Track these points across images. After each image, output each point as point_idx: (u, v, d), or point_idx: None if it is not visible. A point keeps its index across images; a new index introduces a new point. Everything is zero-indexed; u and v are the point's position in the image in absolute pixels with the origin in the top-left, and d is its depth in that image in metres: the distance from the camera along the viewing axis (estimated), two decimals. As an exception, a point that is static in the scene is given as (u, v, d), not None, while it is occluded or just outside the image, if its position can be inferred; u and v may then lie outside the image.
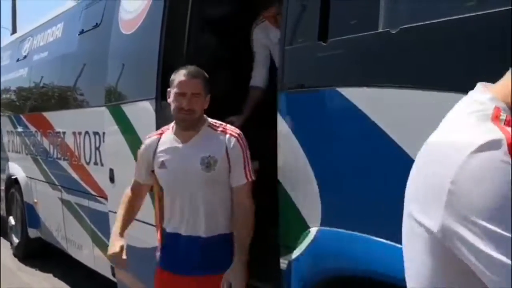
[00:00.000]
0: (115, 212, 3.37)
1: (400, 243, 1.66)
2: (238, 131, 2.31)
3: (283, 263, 2.21)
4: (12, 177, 5.97)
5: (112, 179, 3.36)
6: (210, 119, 2.31)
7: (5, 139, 6.39)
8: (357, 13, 1.91)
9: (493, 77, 1.02)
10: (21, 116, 5.77)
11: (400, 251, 1.63)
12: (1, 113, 6.53)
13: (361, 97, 1.84)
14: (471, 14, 1.53)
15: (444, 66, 1.63)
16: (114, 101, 3.30)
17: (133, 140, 3.05)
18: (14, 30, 19.04)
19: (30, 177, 5.58)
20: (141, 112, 2.91)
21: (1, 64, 6.78)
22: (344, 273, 1.96)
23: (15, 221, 6.09)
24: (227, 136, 2.25)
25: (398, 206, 1.65)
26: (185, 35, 2.80)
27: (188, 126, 2.24)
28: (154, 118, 2.74)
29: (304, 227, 2.08)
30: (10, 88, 6.38)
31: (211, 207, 2.26)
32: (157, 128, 2.74)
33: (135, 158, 3.00)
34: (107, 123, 3.39)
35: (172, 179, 2.28)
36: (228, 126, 2.32)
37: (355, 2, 1.93)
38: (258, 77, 2.96)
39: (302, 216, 2.10)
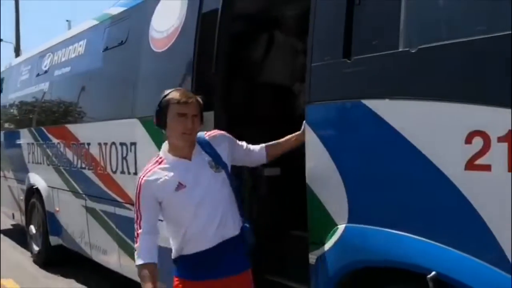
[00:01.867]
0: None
1: (419, 235, 1.93)
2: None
3: (312, 258, 2.45)
4: (33, 187, 6.20)
5: (144, 186, 3.60)
6: None
7: (25, 151, 6.62)
8: (378, 33, 2.17)
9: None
10: (43, 128, 6.02)
11: (417, 242, 1.90)
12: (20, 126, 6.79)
13: (382, 107, 2.10)
14: (479, 37, 1.79)
15: (456, 81, 1.88)
16: (146, 114, 3.55)
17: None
18: (17, 54, 19.37)
19: (51, 187, 5.81)
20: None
21: (20, 79, 7.04)
22: (369, 264, 2.21)
23: (36, 229, 6.31)
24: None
25: (414, 203, 1.93)
26: (214, 51, 3.07)
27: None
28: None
29: (332, 225, 2.33)
30: (30, 102, 6.63)
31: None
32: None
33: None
34: (139, 134, 3.63)
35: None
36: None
37: (377, 24, 2.19)
38: None
39: (330, 214, 2.35)
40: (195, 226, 2.30)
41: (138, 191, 2.33)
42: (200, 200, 2.29)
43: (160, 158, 2.37)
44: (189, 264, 2.35)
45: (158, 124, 2.35)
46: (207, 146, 2.39)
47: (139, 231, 2.32)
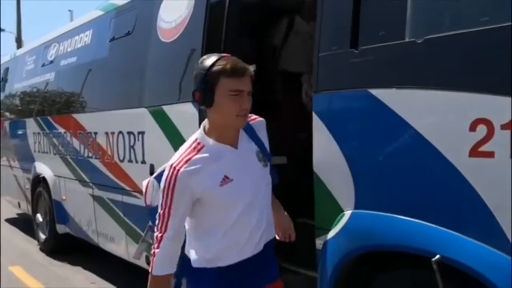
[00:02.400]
0: (157, 205, 3.69)
1: (424, 220, 2.00)
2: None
3: (319, 243, 2.52)
4: (40, 175, 6.27)
5: (152, 174, 3.66)
6: None
7: (31, 140, 6.69)
8: (385, 24, 2.22)
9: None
10: (49, 118, 6.07)
11: (422, 226, 1.96)
12: (26, 115, 6.85)
13: (388, 96, 2.16)
14: (483, 28, 1.85)
15: (461, 71, 1.94)
16: (154, 103, 3.61)
17: (175, 138, 3.37)
18: (19, 44, 19.42)
19: (58, 176, 5.88)
20: (183, 112, 3.22)
21: (25, 69, 7.09)
22: (375, 249, 2.28)
23: (42, 218, 6.39)
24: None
25: (420, 189, 1.99)
26: (222, 41, 3.13)
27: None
28: (198, 117, 3.05)
29: (338, 211, 2.39)
30: (36, 92, 6.68)
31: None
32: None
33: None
34: (148, 123, 3.70)
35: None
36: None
37: (384, 14, 2.24)
38: None
39: (337, 201, 2.41)
40: (240, 230, 1.91)
41: (171, 185, 1.82)
42: (250, 199, 1.90)
43: (199, 143, 1.89)
44: (221, 276, 1.94)
45: (202, 101, 1.85)
46: (251, 133, 1.98)
47: (164, 234, 1.85)
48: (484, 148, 1.83)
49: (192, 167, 1.83)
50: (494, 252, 1.82)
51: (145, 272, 4.36)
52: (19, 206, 7.43)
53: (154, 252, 1.87)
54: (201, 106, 1.87)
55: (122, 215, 4.48)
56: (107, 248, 4.96)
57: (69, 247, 6.02)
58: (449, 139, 1.96)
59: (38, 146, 6.47)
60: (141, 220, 4.11)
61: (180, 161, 1.85)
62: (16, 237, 7.01)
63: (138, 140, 4.07)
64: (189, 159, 1.85)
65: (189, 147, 1.90)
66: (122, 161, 4.37)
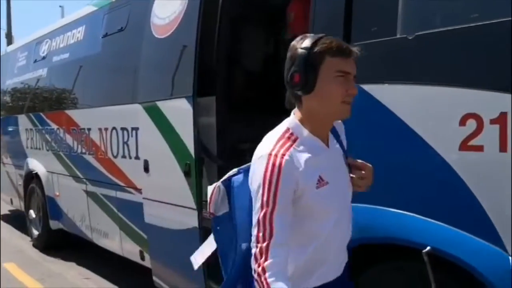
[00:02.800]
0: (151, 200, 3.72)
1: (415, 213, 2.03)
2: None
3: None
4: (33, 172, 6.27)
5: (147, 169, 3.70)
6: None
7: (23, 137, 6.68)
8: (377, 20, 2.26)
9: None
10: (42, 114, 6.07)
11: (413, 219, 2.00)
12: (17, 112, 6.83)
13: (380, 91, 2.20)
14: (472, 25, 1.89)
15: (451, 66, 1.99)
16: (148, 99, 3.63)
17: (169, 133, 3.39)
18: (9, 40, 19.28)
19: (51, 172, 5.88)
20: (178, 108, 3.25)
21: (17, 65, 7.07)
22: (369, 242, 2.31)
23: (35, 214, 6.39)
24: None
25: (411, 182, 2.03)
26: (216, 37, 3.16)
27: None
28: (192, 113, 3.08)
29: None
30: (28, 88, 6.67)
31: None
32: (195, 122, 3.09)
33: (172, 150, 3.36)
34: (142, 119, 3.72)
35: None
36: None
37: (376, 11, 2.28)
38: None
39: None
40: (329, 245, 1.62)
41: (274, 175, 1.49)
42: (343, 206, 1.67)
43: (292, 134, 1.59)
44: None
45: (302, 85, 1.55)
46: (334, 133, 1.74)
47: (270, 241, 1.47)
48: (473, 142, 1.87)
49: (294, 158, 1.52)
50: (483, 244, 1.87)
51: (139, 268, 4.41)
52: (12, 202, 7.42)
53: (261, 268, 1.45)
54: (299, 91, 1.55)
55: (116, 211, 4.50)
56: (101, 243, 4.97)
57: (62, 243, 6.03)
58: (440, 133, 2.00)
59: (30, 143, 6.46)
60: (135, 215, 4.14)
61: (281, 149, 1.53)
62: (9, 234, 7.00)
63: (132, 136, 4.09)
64: (288, 148, 1.54)
65: (282, 136, 1.57)
66: (115, 157, 4.39)
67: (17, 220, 7.42)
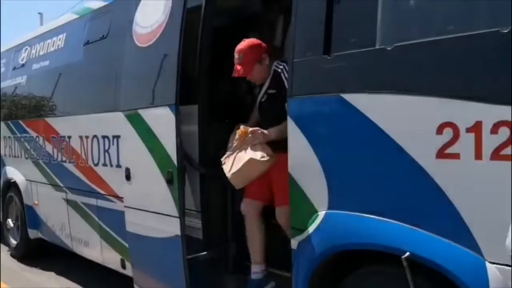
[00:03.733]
0: (133, 208, 3.72)
1: (394, 219, 2.08)
2: None
3: (294, 244, 2.59)
4: (11, 180, 6.19)
5: (128, 177, 3.69)
6: None
7: (1, 144, 6.59)
8: (357, 31, 2.32)
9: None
10: (20, 122, 6.01)
11: (392, 225, 2.05)
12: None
13: (360, 101, 2.25)
14: (449, 36, 1.96)
15: (428, 76, 2.05)
16: (130, 107, 3.63)
17: (151, 141, 3.40)
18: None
19: (30, 180, 5.82)
20: (160, 116, 3.26)
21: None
22: (348, 248, 2.36)
23: (13, 223, 6.30)
24: None
25: (390, 190, 2.08)
26: (198, 46, 3.18)
27: None
28: (174, 121, 3.09)
29: (313, 211, 2.47)
30: (6, 95, 6.59)
31: None
32: (177, 130, 3.10)
33: (154, 158, 3.36)
34: (123, 127, 3.71)
35: None
36: None
37: (356, 22, 2.33)
38: None
39: (311, 202, 2.49)
40: None
41: None
42: None
43: None
44: None
45: None
46: None
47: None
48: (450, 150, 1.93)
49: None
50: (460, 249, 1.92)
51: (119, 276, 4.37)
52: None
53: None
54: None
55: (96, 219, 4.47)
56: (81, 252, 4.93)
57: (41, 252, 5.96)
58: (418, 142, 2.05)
59: (9, 150, 6.38)
60: (116, 224, 4.12)
61: None
62: (-15, 244, 6.88)
63: (113, 144, 4.08)
64: None
65: None
66: (96, 165, 4.37)
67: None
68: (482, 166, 1.84)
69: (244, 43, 3.04)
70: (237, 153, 3.00)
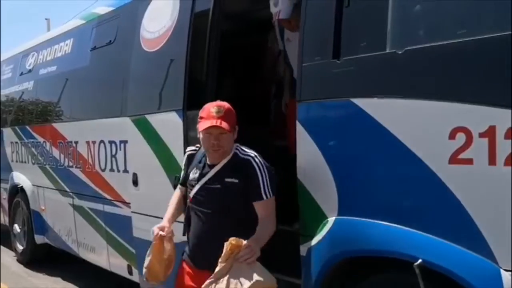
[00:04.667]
0: (140, 214, 3.70)
1: (406, 226, 2.05)
2: None
3: (303, 250, 2.56)
4: (18, 186, 6.19)
5: (135, 183, 3.68)
6: None
7: (8, 150, 6.60)
8: (367, 35, 2.29)
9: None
10: (27, 127, 6.01)
11: (404, 232, 2.02)
12: (2, 125, 6.76)
13: (370, 105, 2.22)
14: (461, 40, 1.93)
15: (440, 81, 2.02)
16: (137, 113, 3.63)
17: (158, 147, 3.39)
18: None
19: (36, 185, 5.82)
20: (167, 121, 3.25)
21: (2, 78, 7.01)
22: (359, 255, 2.33)
23: (20, 228, 6.30)
24: None
25: (402, 196, 2.05)
26: (206, 51, 3.17)
27: None
28: (182, 126, 3.08)
29: (322, 218, 2.44)
30: (13, 101, 6.61)
31: None
32: (185, 135, 3.09)
33: (161, 164, 3.35)
34: (130, 132, 3.70)
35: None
36: None
37: (366, 26, 2.31)
38: None
39: (321, 208, 2.46)
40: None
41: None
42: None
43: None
44: None
45: None
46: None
47: None
48: (463, 155, 1.90)
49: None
50: (474, 256, 1.88)
51: (126, 282, 4.36)
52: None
53: None
54: None
55: (103, 225, 4.46)
56: (88, 258, 4.92)
57: (47, 258, 5.95)
58: (430, 147, 2.02)
59: (16, 156, 6.39)
60: (123, 229, 4.11)
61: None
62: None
63: (120, 149, 4.07)
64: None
65: None
66: (103, 170, 4.36)
67: (1, 235, 7.30)
68: (495, 171, 1.81)
69: (226, 104, 2.55)
70: (228, 279, 2.24)
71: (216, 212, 2.51)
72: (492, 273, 1.83)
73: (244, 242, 2.28)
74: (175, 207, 2.72)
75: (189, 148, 2.70)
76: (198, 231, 2.56)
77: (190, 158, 2.65)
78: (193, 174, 2.57)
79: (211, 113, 2.45)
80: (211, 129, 2.43)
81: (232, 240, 2.26)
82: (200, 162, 2.58)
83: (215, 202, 2.51)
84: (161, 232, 2.57)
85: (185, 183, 2.65)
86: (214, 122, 2.42)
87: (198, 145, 2.64)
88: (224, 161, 2.52)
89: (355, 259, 2.34)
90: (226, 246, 2.25)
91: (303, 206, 2.56)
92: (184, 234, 2.67)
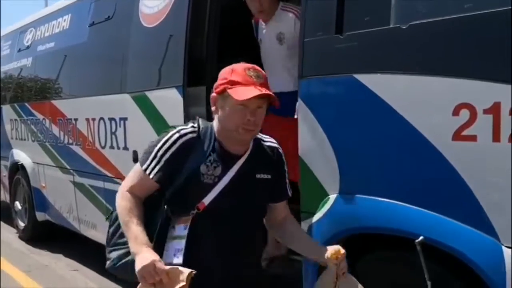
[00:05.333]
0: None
1: (407, 203, 2.04)
2: None
3: (304, 227, 2.56)
4: (18, 163, 6.18)
5: (136, 160, 3.65)
6: None
7: (8, 127, 6.57)
8: (370, 10, 2.25)
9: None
10: (27, 104, 5.98)
11: (406, 209, 2.01)
12: (1, 102, 6.72)
13: (373, 81, 2.19)
14: (465, 15, 1.89)
15: (444, 56, 1.98)
16: (137, 89, 3.59)
17: (158, 124, 3.36)
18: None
19: (37, 163, 5.81)
20: (168, 98, 3.22)
21: (1, 54, 6.94)
22: (360, 232, 2.33)
23: (21, 205, 6.31)
24: None
25: (404, 173, 2.03)
26: (206, 25, 3.12)
27: None
28: (182, 103, 3.05)
29: (324, 195, 2.43)
30: (11, 78, 6.56)
31: None
32: (185, 112, 3.07)
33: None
34: (130, 109, 3.68)
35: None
36: None
37: (369, 1, 2.26)
38: None
39: (322, 185, 2.45)
40: None
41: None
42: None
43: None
44: None
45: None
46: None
47: None
48: (467, 132, 1.88)
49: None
50: (476, 233, 1.88)
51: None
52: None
53: None
54: None
55: (104, 202, 4.46)
56: (89, 234, 4.93)
57: (48, 235, 5.97)
58: (433, 123, 2.00)
59: (15, 133, 6.37)
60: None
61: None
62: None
63: (120, 126, 4.05)
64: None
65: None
66: (103, 147, 4.34)
67: (3, 212, 7.33)
68: (500, 148, 1.79)
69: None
70: None
71: (248, 220, 1.87)
72: (494, 250, 1.83)
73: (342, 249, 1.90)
74: (141, 222, 1.77)
75: (183, 130, 1.82)
76: (221, 249, 1.83)
77: (187, 146, 1.80)
78: (207, 170, 1.79)
79: (249, 77, 1.77)
80: (252, 101, 1.74)
81: (341, 249, 1.89)
82: (207, 152, 1.81)
83: (248, 207, 1.85)
84: (184, 273, 1.67)
85: (167, 182, 1.83)
86: (259, 90, 1.74)
87: (193, 125, 1.84)
88: (249, 149, 1.88)
89: (356, 237, 2.34)
90: (331, 256, 1.88)
91: (304, 183, 2.54)
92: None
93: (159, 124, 3.35)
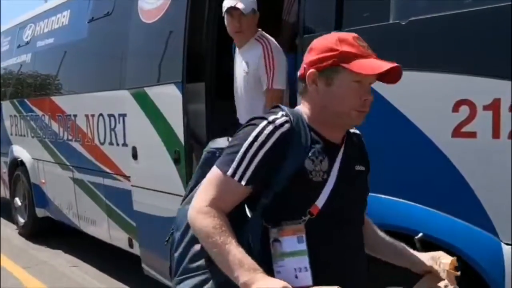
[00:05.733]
0: (140, 187, 3.69)
1: (407, 199, 2.02)
2: None
3: (303, 223, 2.55)
4: (17, 159, 6.18)
5: (135, 156, 3.66)
6: None
7: (8, 123, 6.57)
8: (370, 5, 2.24)
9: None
10: (26, 100, 5.97)
11: (405, 205, 2.00)
12: (1, 98, 6.72)
13: (373, 78, 2.18)
14: (464, 10, 1.88)
15: (444, 52, 1.97)
16: (136, 85, 3.58)
17: (157, 120, 3.35)
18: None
19: (36, 159, 5.80)
20: (167, 94, 3.21)
21: (0, 50, 6.93)
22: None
23: (21, 202, 6.31)
24: None
25: (403, 169, 2.02)
26: (205, 22, 3.11)
27: None
28: (181, 100, 3.04)
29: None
30: (11, 74, 6.55)
31: None
32: (184, 108, 3.06)
33: (160, 137, 3.32)
34: (129, 105, 3.67)
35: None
36: None
37: (368, -3, 2.25)
38: None
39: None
40: None
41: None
42: None
43: None
44: None
45: None
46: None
47: None
48: (466, 128, 1.87)
49: None
50: (475, 230, 1.87)
51: (127, 255, 4.38)
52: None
53: None
54: None
55: (103, 198, 4.46)
56: (88, 231, 4.94)
57: (48, 231, 5.98)
58: (432, 120, 1.99)
59: (15, 129, 6.36)
60: (123, 202, 4.10)
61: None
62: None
63: (119, 122, 4.04)
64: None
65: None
66: (103, 143, 4.34)
67: (3, 208, 7.34)
68: (499, 145, 1.78)
69: None
70: None
71: (357, 218, 1.59)
72: (493, 247, 1.83)
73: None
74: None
75: (278, 120, 1.40)
76: (339, 256, 1.46)
77: (284, 139, 1.40)
78: (313, 166, 1.41)
79: (363, 48, 1.46)
80: (369, 77, 1.45)
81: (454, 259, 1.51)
82: (307, 143, 1.42)
83: (358, 204, 1.59)
84: None
85: (262, 186, 1.41)
86: (382, 61, 1.46)
87: (283, 113, 1.43)
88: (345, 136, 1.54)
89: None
90: (449, 268, 1.49)
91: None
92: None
93: (158, 120, 3.35)
